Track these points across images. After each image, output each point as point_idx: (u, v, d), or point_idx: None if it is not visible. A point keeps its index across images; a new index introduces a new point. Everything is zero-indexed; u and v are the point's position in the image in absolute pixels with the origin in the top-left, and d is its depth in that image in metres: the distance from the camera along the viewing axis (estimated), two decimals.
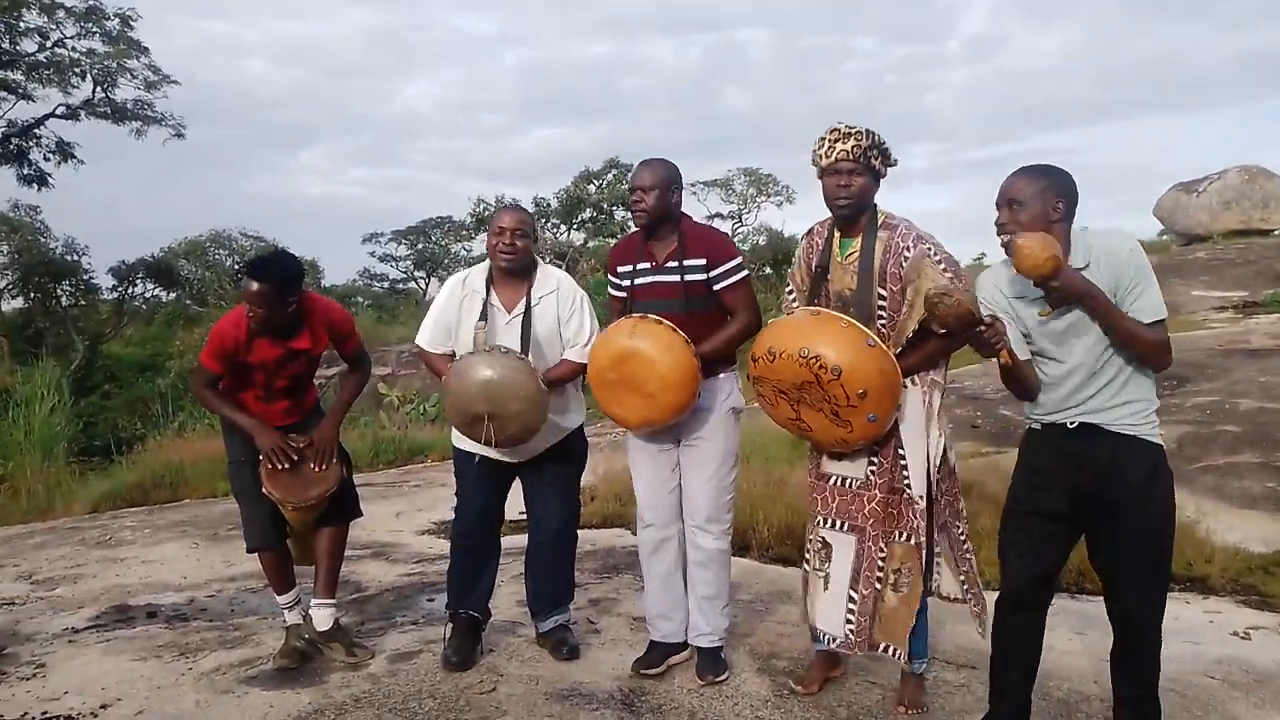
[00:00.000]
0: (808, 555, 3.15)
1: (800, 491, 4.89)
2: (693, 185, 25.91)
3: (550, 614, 3.65)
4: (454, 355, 3.47)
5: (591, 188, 24.27)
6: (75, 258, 21.31)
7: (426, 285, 32.41)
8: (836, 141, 2.84)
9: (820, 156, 2.87)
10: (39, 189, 17.90)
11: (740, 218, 26.57)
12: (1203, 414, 8.08)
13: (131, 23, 17.28)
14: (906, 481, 2.94)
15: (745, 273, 3.32)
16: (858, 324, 2.78)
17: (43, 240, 21.22)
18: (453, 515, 3.70)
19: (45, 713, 3.23)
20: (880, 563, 2.96)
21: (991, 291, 2.64)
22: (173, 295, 23.81)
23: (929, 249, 2.85)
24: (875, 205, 2.96)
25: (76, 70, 17.15)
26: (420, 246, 33.24)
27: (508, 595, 4.26)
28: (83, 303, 22.02)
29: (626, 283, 3.37)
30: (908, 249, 2.86)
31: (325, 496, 3.51)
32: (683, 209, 3.36)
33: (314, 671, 3.52)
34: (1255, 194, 21.17)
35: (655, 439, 3.36)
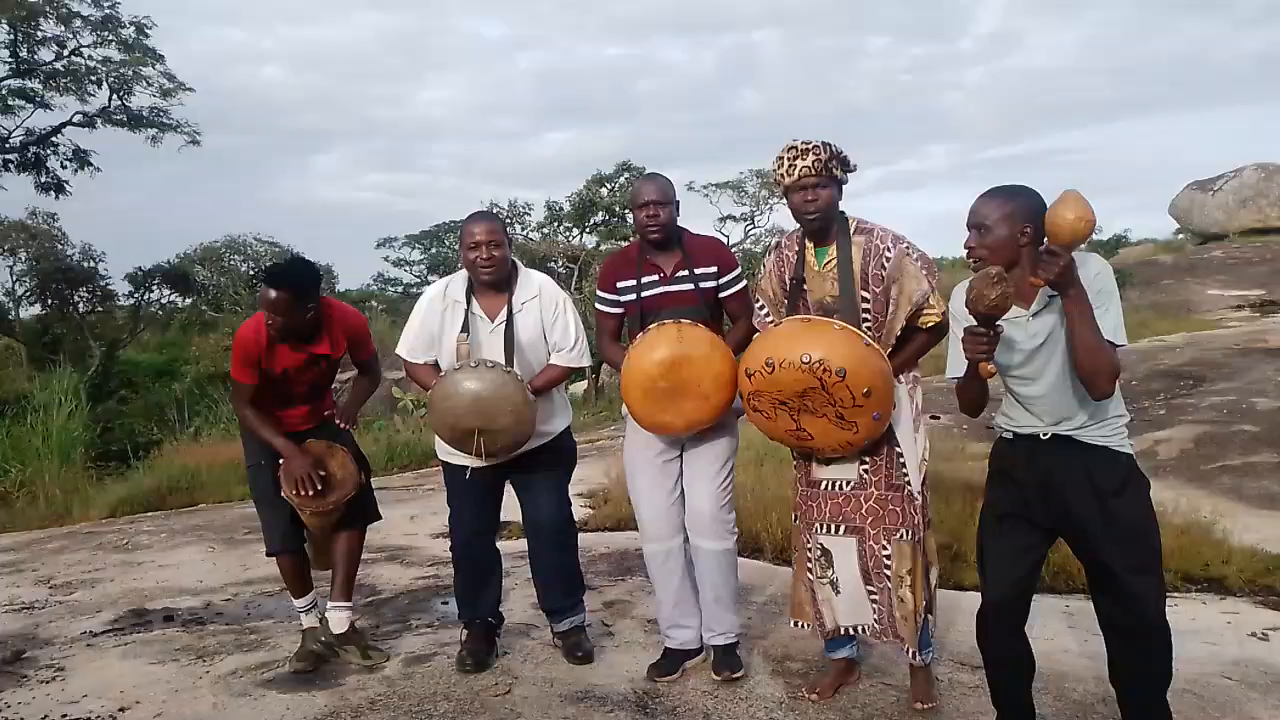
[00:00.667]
0: (808, 565, 3.14)
1: None
2: (705, 187, 25.89)
3: (564, 616, 3.65)
4: (437, 365, 3.47)
5: (604, 191, 24.24)
6: (92, 264, 21.55)
7: None
8: (796, 159, 2.89)
9: (783, 175, 2.92)
10: (56, 196, 18.02)
11: (752, 219, 26.52)
12: (1219, 413, 8.03)
13: (147, 31, 17.40)
14: (906, 478, 2.97)
15: (745, 281, 3.43)
16: (850, 327, 2.82)
17: (60, 247, 21.44)
18: (448, 529, 3.69)
19: (65, 715, 3.26)
20: (886, 561, 2.98)
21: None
22: (189, 301, 24.00)
23: (906, 248, 2.93)
24: (843, 212, 3.02)
25: (93, 78, 17.27)
26: (434, 251, 33.34)
27: (521, 599, 4.27)
28: (100, 309, 22.25)
29: (629, 297, 3.37)
30: (888, 250, 2.93)
31: (344, 501, 3.54)
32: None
33: (330, 674, 3.54)
34: (1273, 192, 21.01)
35: (663, 449, 3.38)
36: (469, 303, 3.44)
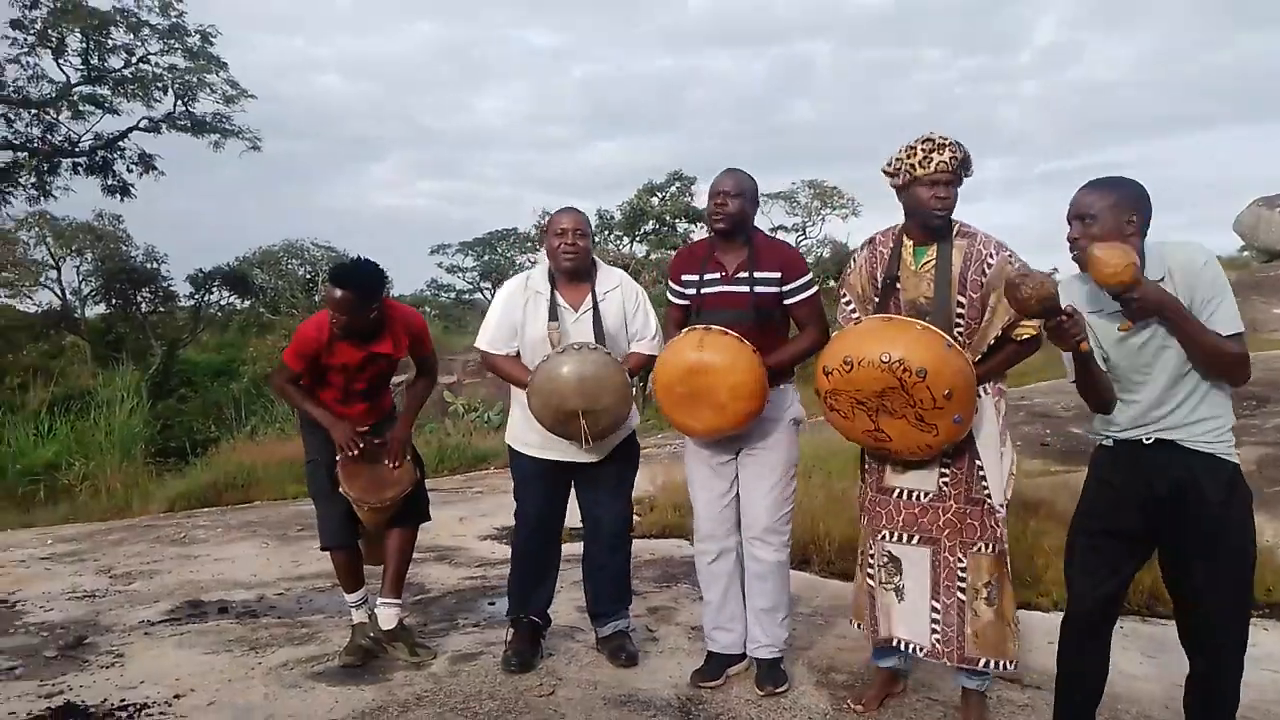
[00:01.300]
0: (871, 571, 3.10)
1: None
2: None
3: (609, 620, 3.67)
4: (518, 356, 3.53)
5: (654, 200, 24.29)
6: (155, 266, 22.06)
7: (491, 296, 32.70)
8: (933, 152, 2.82)
9: (914, 166, 2.85)
10: (122, 199, 18.49)
11: (804, 230, 26.41)
12: None
13: (211, 39, 17.82)
14: (986, 491, 2.91)
15: (816, 288, 3.35)
16: (933, 327, 2.77)
17: (124, 249, 21.98)
18: (514, 521, 3.75)
19: (123, 700, 3.35)
20: (960, 574, 2.92)
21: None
22: (247, 303, 24.45)
23: (1010, 256, 2.86)
24: None
25: (159, 85, 17.70)
26: (486, 258, 33.65)
27: (567, 601, 4.29)
28: (161, 309, 22.77)
29: (692, 291, 3.38)
30: (990, 256, 2.86)
31: (400, 498, 3.59)
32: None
33: (378, 669, 3.59)
34: None
35: (715, 451, 3.37)
36: (553, 293, 3.51)
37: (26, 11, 16.09)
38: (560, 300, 3.52)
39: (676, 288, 3.48)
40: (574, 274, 3.53)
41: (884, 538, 3.05)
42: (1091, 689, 2.63)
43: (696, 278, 3.37)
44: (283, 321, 20.06)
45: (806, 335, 3.32)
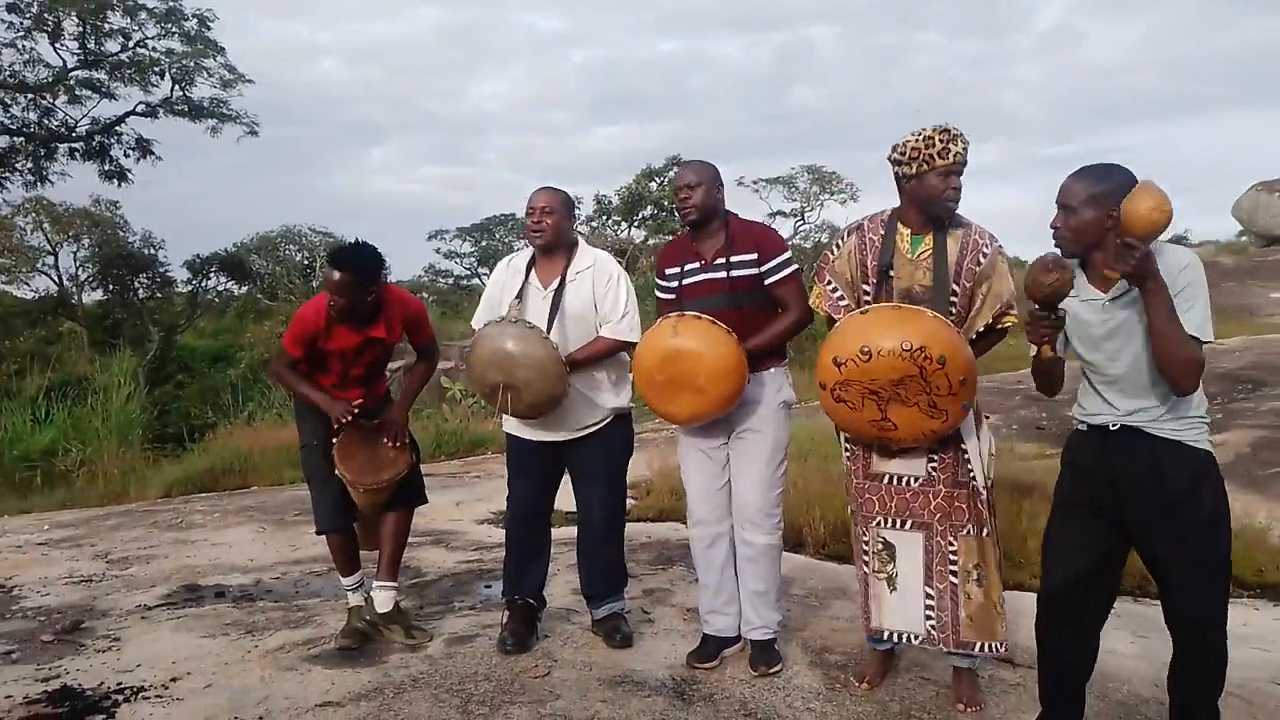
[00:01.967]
0: (865, 558, 3.12)
1: None
2: (755, 182, 25.73)
3: (604, 602, 3.69)
4: None
5: (653, 185, 24.22)
6: (152, 251, 21.96)
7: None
8: (949, 143, 2.84)
9: (931, 156, 2.85)
10: (119, 184, 18.45)
11: (803, 215, 26.34)
12: (1278, 418, 7.84)
13: (209, 23, 17.74)
14: (971, 475, 2.94)
15: (796, 266, 3.35)
16: (940, 316, 2.78)
17: (122, 234, 21.88)
18: (505, 504, 3.77)
19: (120, 684, 3.36)
20: (952, 557, 2.95)
21: None
22: (244, 289, 24.40)
23: (1000, 247, 2.92)
24: None
25: (156, 69, 17.62)
26: (484, 243, 33.59)
27: (562, 584, 4.31)
28: (159, 295, 22.71)
29: (674, 284, 3.40)
30: (985, 246, 2.92)
31: (396, 480, 3.60)
32: (728, 207, 3.39)
33: (374, 652, 3.61)
34: None
35: (707, 436, 3.38)
36: (527, 273, 3.55)
37: None
38: (533, 279, 3.55)
39: (662, 282, 3.48)
40: (550, 253, 3.54)
41: (878, 524, 3.06)
42: (1069, 666, 2.64)
43: (678, 270, 3.38)
44: (280, 307, 20.04)
45: (788, 315, 3.30)
